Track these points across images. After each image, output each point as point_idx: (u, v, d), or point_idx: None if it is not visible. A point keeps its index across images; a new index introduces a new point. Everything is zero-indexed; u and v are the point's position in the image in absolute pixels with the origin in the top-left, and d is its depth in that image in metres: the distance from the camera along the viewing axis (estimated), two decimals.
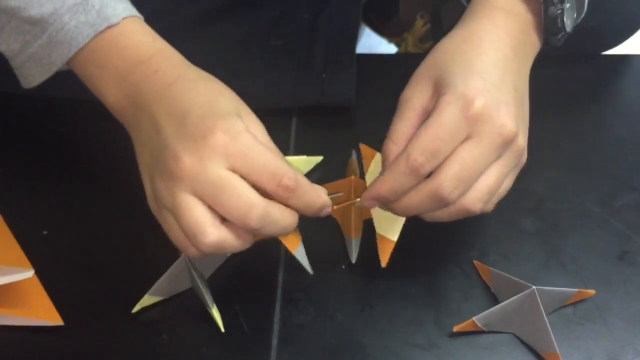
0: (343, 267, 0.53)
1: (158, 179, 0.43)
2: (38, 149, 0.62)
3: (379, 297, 0.51)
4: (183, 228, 0.43)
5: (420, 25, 0.77)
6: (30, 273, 0.47)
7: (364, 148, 0.53)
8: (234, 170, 0.42)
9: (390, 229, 0.49)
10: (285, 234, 0.45)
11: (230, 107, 0.44)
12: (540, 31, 0.50)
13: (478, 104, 0.43)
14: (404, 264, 0.53)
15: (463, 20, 0.49)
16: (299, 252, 0.48)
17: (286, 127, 0.63)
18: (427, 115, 0.44)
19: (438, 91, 0.44)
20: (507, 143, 0.44)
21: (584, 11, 0.52)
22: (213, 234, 0.42)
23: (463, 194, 0.44)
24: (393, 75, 0.65)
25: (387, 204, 0.46)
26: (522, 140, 0.46)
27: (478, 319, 0.48)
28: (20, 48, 0.48)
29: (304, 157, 0.59)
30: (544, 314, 0.47)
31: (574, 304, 0.51)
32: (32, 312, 0.49)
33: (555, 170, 0.60)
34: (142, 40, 0.47)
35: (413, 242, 0.53)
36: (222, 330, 0.49)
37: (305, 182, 0.44)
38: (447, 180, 0.43)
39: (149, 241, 0.53)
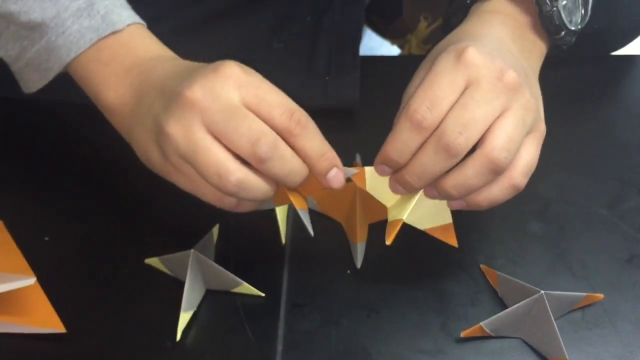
0: (348, 272, 0.53)
1: (167, 125, 0.41)
2: (39, 154, 0.62)
3: (385, 302, 0.51)
4: (205, 172, 0.42)
5: (424, 27, 0.77)
6: (32, 280, 0.47)
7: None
8: (245, 103, 0.41)
9: (400, 209, 0.48)
10: (293, 180, 0.43)
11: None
12: (540, 32, 0.50)
13: (470, 51, 0.42)
14: (410, 269, 0.52)
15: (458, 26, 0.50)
16: (304, 213, 0.47)
17: None
18: None
19: None
20: (510, 89, 0.42)
21: (588, 14, 0.52)
22: (238, 170, 0.41)
23: (469, 142, 0.42)
24: (397, 77, 0.65)
25: (395, 176, 0.44)
26: (530, 96, 0.44)
27: (485, 324, 0.48)
28: (17, 54, 0.47)
29: None
30: (553, 318, 0.46)
31: (582, 308, 0.50)
32: (34, 319, 0.48)
33: (561, 172, 0.59)
34: (151, 43, 0.48)
35: (419, 246, 0.53)
36: (177, 338, 0.48)
37: (316, 127, 0.43)
38: (450, 126, 0.41)
39: (152, 247, 0.53)
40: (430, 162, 0.42)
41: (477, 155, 0.42)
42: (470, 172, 0.43)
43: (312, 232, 0.46)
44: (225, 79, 0.41)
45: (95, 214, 0.56)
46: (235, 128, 0.41)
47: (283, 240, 0.54)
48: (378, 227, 0.54)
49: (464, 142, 0.42)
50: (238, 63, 0.42)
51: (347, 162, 0.56)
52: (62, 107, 0.60)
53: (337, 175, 0.44)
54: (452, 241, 0.48)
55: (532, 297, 0.47)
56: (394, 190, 0.46)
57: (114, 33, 0.46)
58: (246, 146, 0.41)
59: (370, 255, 0.53)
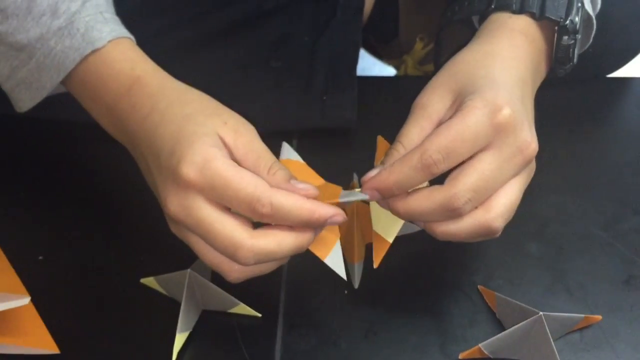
0: (345, 292, 0.52)
1: (165, 214, 0.44)
2: (33, 172, 0.61)
3: (383, 323, 0.50)
4: (206, 263, 0.44)
5: (419, 48, 0.77)
6: (26, 300, 0.46)
7: (381, 141, 0.50)
8: (213, 204, 0.41)
9: (387, 228, 0.47)
10: (297, 253, 0.43)
11: (199, 129, 0.42)
12: (548, 60, 0.50)
13: (506, 112, 0.41)
14: (408, 289, 0.52)
15: (480, 36, 0.48)
16: (331, 259, 0.45)
17: None
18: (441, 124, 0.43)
19: (460, 99, 0.43)
20: (527, 161, 0.43)
21: (589, 42, 0.52)
22: (234, 270, 0.42)
23: (475, 206, 0.42)
24: (394, 97, 0.67)
25: (388, 201, 0.43)
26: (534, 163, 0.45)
27: (484, 346, 0.47)
28: (9, 73, 0.47)
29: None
30: (552, 340, 0.46)
31: (580, 329, 0.50)
32: (28, 340, 0.47)
33: (558, 193, 0.59)
34: (122, 69, 0.46)
35: (416, 266, 0.53)
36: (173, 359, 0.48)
37: (285, 201, 0.40)
38: (463, 191, 0.41)
39: (148, 266, 0.52)
40: (429, 211, 0.42)
41: (477, 217, 0.42)
42: (465, 230, 0.43)
43: (344, 276, 0.45)
44: (185, 190, 0.41)
45: (91, 233, 0.56)
46: (212, 244, 0.41)
47: None
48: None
49: (470, 207, 0.42)
50: (190, 157, 0.40)
51: (345, 181, 0.56)
52: (58, 125, 0.59)
53: (332, 221, 0.42)
54: (377, 258, 0.47)
55: (530, 319, 0.47)
56: (369, 196, 0.44)
57: (94, 51, 0.45)
58: (230, 258, 0.42)
59: (368, 276, 0.52)
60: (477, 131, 0.41)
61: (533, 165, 0.45)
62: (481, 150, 0.42)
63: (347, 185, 0.57)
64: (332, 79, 0.63)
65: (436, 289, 0.52)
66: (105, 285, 0.53)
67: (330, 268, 0.45)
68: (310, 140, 0.62)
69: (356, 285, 0.52)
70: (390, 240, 0.46)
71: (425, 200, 0.42)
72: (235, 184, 0.40)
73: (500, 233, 0.44)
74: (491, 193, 0.42)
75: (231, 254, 0.41)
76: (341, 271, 0.45)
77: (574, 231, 0.56)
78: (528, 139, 0.42)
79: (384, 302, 0.51)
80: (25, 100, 0.48)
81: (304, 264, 0.51)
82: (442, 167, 0.41)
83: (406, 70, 0.79)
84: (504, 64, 0.45)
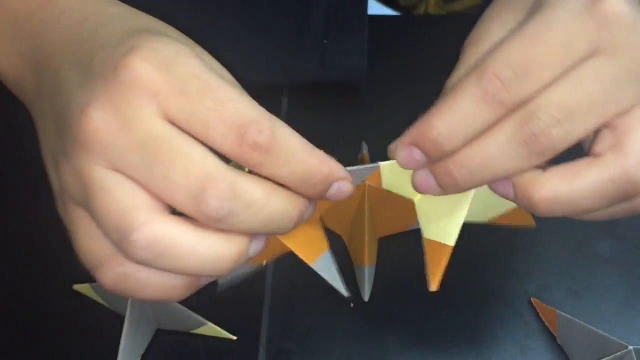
0: (351, 305, 0.45)
1: (63, 157, 0.30)
2: None
3: (402, 348, 0.43)
4: (103, 225, 0.29)
5: None
6: None
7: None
8: (171, 120, 0.29)
9: (442, 228, 0.36)
10: (280, 227, 0.31)
11: (165, 30, 0.33)
12: None
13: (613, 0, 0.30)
14: (436, 302, 0.44)
15: None
16: (321, 265, 0.36)
17: (274, 109, 0.52)
18: None
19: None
20: None
21: None
22: (150, 221, 0.28)
23: (573, 135, 0.30)
24: (411, 42, 0.59)
25: (435, 166, 0.32)
26: None
27: None
28: None
29: None
30: None
31: None
32: None
33: None
34: None
35: (446, 272, 0.42)
36: None
37: (292, 138, 0.30)
38: (544, 105, 0.30)
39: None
40: (502, 154, 0.30)
41: (606, 164, 0.30)
42: (585, 188, 0.30)
43: (345, 293, 0.35)
44: (129, 89, 0.29)
45: (14, 229, 0.47)
46: (164, 175, 0.28)
47: (263, 262, 0.44)
48: (392, 243, 0.46)
49: (561, 135, 0.29)
50: (149, 44, 0.30)
51: (351, 153, 0.50)
52: None
53: (339, 189, 0.32)
54: (435, 275, 0.36)
55: (614, 355, 0.37)
56: (420, 186, 0.33)
57: None
58: (186, 201, 0.28)
59: (382, 283, 0.45)
60: (567, 28, 0.30)
61: None
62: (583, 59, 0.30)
63: (355, 157, 0.50)
64: (335, 16, 0.54)
65: (473, 302, 0.45)
66: (33, 290, 0.45)
67: None
68: (305, 97, 0.55)
69: (366, 297, 0.44)
70: (451, 243, 0.35)
71: (492, 139, 0.30)
72: (221, 91, 0.29)
73: None
74: (599, 117, 0.30)
75: (195, 191, 0.28)
76: (338, 284, 0.36)
77: None
78: None
79: (403, 319, 0.44)
80: None
81: (295, 267, 0.40)
82: (516, 92, 0.30)
83: (427, 9, 0.69)
84: None
